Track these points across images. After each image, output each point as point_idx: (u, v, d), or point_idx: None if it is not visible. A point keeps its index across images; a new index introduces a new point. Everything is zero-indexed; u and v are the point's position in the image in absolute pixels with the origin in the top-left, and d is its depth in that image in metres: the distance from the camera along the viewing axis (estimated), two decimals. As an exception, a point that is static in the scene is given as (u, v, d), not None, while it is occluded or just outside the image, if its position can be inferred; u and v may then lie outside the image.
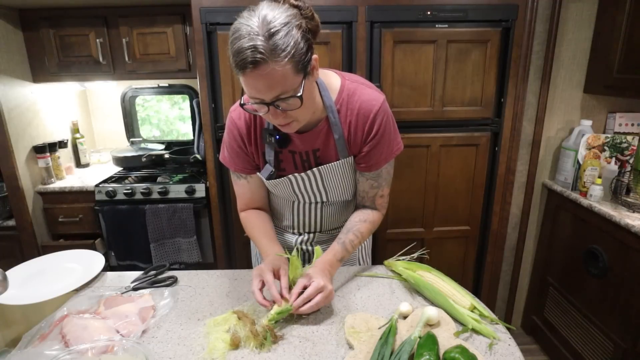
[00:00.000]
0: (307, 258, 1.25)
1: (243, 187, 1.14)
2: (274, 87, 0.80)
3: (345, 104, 0.99)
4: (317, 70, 0.89)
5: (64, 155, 2.21)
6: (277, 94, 0.81)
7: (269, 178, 1.07)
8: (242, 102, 0.90)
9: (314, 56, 0.85)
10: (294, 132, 1.00)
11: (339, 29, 1.66)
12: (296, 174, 1.06)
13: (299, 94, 0.82)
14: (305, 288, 0.93)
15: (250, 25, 0.76)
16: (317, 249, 1.08)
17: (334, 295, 0.98)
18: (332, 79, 1.01)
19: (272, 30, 0.76)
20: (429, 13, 1.65)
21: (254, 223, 1.14)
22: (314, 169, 1.05)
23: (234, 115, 1.05)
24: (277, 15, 0.77)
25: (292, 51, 0.78)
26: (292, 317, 0.95)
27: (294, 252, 1.03)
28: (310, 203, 1.15)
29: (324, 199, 1.13)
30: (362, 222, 1.10)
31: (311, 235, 1.22)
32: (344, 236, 1.08)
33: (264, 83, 0.79)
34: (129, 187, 2.01)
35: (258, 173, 1.09)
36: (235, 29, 0.78)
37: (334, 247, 1.06)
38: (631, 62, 1.68)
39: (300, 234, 1.23)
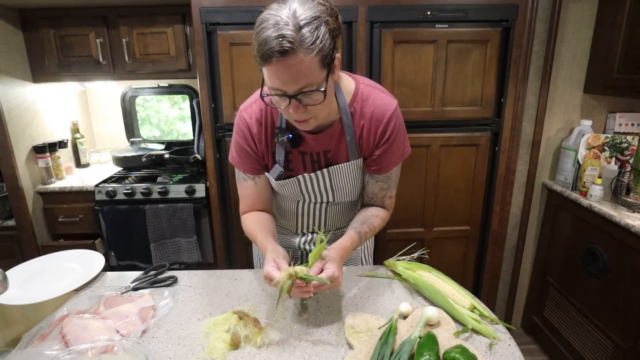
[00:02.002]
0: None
1: (249, 188, 1.12)
2: (300, 79, 0.80)
3: (359, 107, 0.99)
4: (338, 70, 0.89)
5: (64, 155, 2.21)
6: (302, 87, 0.81)
7: (278, 178, 1.06)
8: (262, 94, 0.88)
9: (337, 54, 0.85)
10: (307, 133, 1.00)
11: (339, 29, 1.66)
12: (305, 175, 1.05)
13: (322, 89, 0.82)
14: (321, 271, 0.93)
15: (280, 15, 0.76)
16: (319, 237, 1.08)
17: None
18: (346, 82, 1.01)
19: (302, 22, 0.76)
20: (429, 13, 1.65)
21: (252, 222, 1.11)
22: (324, 170, 1.04)
23: (245, 114, 1.04)
24: (307, 10, 0.78)
25: (321, 45, 0.78)
26: (294, 314, 0.95)
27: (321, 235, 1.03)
28: (315, 203, 1.15)
29: (330, 199, 1.12)
30: (374, 216, 1.11)
31: (314, 235, 1.22)
32: (359, 226, 1.08)
33: (290, 74, 0.79)
34: (129, 187, 2.01)
35: (266, 173, 1.08)
36: (262, 19, 0.78)
37: (351, 235, 1.05)
38: (631, 62, 1.68)
39: (303, 234, 1.23)
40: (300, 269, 0.88)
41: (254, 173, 1.10)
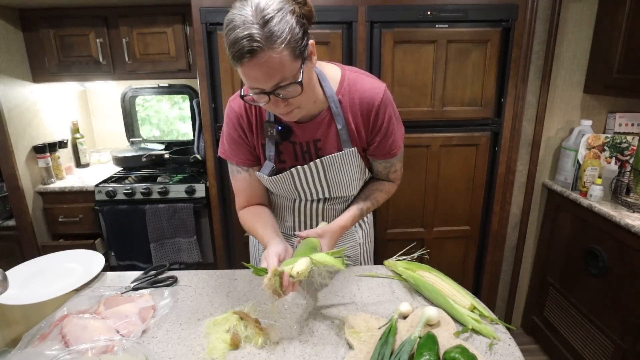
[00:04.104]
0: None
1: (244, 181, 1.11)
2: (273, 75, 0.80)
3: (347, 93, 0.99)
4: (315, 56, 0.88)
5: (64, 155, 2.21)
6: (277, 82, 0.81)
7: (271, 174, 1.06)
8: (242, 94, 0.89)
9: (311, 41, 0.85)
10: (295, 122, 1.00)
11: (339, 29, 1.66)
12: (298, 167, 1.04)
13: (298, 80, 0.82)
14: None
15: (244, 14, 0.76)
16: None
17: None
18: (331, 70, 1.01)
19: (266, 17, 0.75)
20: (429, 13, 1.65)
21: (251, 217, 1.11)
22: (317, 161, 1.03)
23: (234, 104, 1.04)
24: (270, 2, 0.77)
25: (288, 37, 0.77)
26: (295, 312, 0.95)
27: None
28: (312, 201, 1.14)
29: (326, 195, 1.11)
30: (379, 190, 1.15)
31: None
32: (362, 203, 1.11)
33: (263, 72, 0.79)
34: (129, 187, 2.01)
35: (258, 172, 1.08)
36: (229, 20, 0.78)
37: (354, 213, 1.09)
38: (631, 62, 1.68)
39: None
40: (287, 267, 0.86)
41: (247, 165, 1.09)
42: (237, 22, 0.76)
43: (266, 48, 0.76)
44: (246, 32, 0.75)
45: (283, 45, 0.77)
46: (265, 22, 0.75)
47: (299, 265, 0.85)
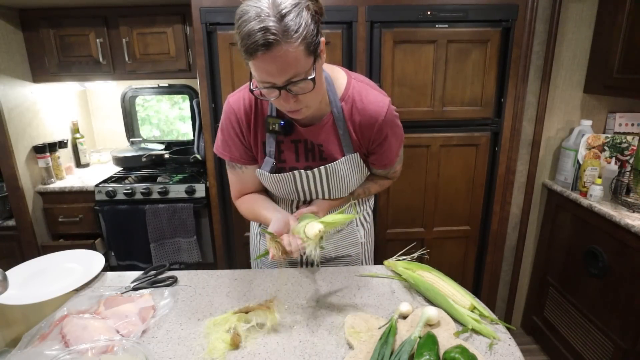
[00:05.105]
0: (307, 261, 1.24)
1: (237, 175, 1.13)
2: (287, 70, 0.79)
3: (351, 102, 0.99)
4: (325, 54, 0.88)
5: (64, 155, 2.21)
6: (290, 77, 0.80)
7: (272, 171, 1.05)
8: (251, 88, 0.88)
9: (322, 39, 0.84)
10: (299, 125, 1.00)
11: (339, 29, 1.66)
12: (301, 171, 1.04)
13: (311, 77, 0.82)
14: None
15: (260, 6, 0.75)
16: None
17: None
18: (338, 75, 1.01)
19: (283, 11, 0.74)
20: (429, 13, 1.65)
21: (249, 202, 1.13)
22: (320, 168, 1.03)
23: (232, 101, 1.03)
24: None
25: (304, 32, 0.76)
26: (296, 311, 0.95)
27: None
28: (311, 202, 1.14)
29: (326, 197, 1.11)
30: (373, 182, 1.19)
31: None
32: (354, 189, 1.14)
33: (277, 66, 0.78)
34: (129, 187, 2.01)
35: (259, 170, 1.07)
36: (242, 12, 0.76)
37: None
38: (631, 62, 1.68)
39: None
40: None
41: (241, 163, 1.09)
42: (251, 14, 0.75)
43: (282, 42, 0.75)
44: (262, 25, 0.73)
45: (299, 40, 0.76)
46: (282, 16, 0.74)
47: (310, 228, 0.88)
